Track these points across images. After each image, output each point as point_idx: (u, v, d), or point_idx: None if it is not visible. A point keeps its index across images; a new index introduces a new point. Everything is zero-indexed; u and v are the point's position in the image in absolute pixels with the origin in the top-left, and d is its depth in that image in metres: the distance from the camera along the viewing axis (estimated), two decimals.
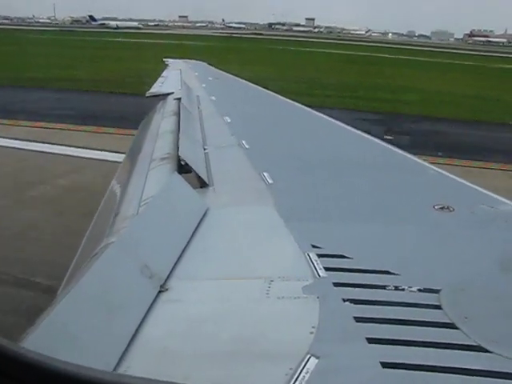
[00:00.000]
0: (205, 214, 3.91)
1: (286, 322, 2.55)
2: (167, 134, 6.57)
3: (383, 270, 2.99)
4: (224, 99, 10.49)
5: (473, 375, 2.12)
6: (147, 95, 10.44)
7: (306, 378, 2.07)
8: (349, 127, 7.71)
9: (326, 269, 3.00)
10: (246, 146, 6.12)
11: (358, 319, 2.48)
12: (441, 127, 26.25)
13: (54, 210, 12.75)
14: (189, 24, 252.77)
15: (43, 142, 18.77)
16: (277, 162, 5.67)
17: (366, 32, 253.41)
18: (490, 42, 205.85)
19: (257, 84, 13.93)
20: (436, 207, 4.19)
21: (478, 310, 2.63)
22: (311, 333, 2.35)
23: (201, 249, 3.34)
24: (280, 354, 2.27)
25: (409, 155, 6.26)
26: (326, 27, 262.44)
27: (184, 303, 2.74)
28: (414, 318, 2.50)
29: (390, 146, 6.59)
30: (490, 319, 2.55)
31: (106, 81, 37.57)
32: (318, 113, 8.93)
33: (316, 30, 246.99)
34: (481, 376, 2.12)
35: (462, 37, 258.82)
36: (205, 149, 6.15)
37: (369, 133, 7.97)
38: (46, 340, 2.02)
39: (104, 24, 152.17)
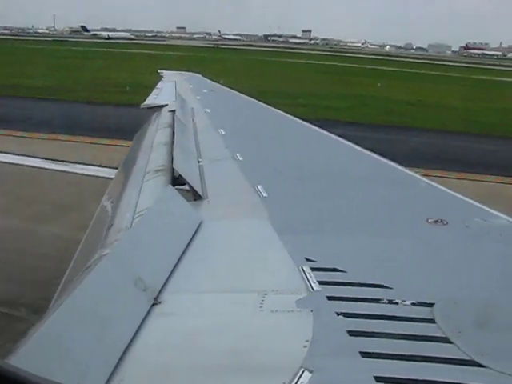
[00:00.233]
0: (199, 227, 3.90)
1: (279, 335, 2.54)
2: (161, 146, 6.58)
3: (377, 283, 2.98)
4: (218, 112, 10.51)
5: None
6: (142, 107, 10.41)
7: None
8: (343, 140, 7.72)
9: (320, 282, 2.99)
10: (240, 159, 6.13)
11: (352, 333, 2.47)
12: (349, 131, 26.68)
13: None
14: (186, 35, 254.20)
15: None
16: (271, 175, 5.69)
17: (363, 44, 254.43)
18: (485, 54, 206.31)
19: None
20: (430, 220, 4.19)
21: (472, 324, 2.62)
22: (305, 346, 2.35)
23: (194, 262, 3.34)
24: (274, 367, 2.27)
25: (403, 168, 6.27)
26: (322, 39, 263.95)
27: (177, 316, 2.73)
28: (408, 331, 2.50)
29: (384, 160, 6.57)
30: (484, 333, 2.55)
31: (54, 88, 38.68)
32: (312, 126, 8.96)
33: (312, 41, 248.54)
34: None
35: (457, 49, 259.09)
36: (199, 161, 6.16)
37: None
38: (38, 353, 2.00)
39: (96, 34, 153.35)
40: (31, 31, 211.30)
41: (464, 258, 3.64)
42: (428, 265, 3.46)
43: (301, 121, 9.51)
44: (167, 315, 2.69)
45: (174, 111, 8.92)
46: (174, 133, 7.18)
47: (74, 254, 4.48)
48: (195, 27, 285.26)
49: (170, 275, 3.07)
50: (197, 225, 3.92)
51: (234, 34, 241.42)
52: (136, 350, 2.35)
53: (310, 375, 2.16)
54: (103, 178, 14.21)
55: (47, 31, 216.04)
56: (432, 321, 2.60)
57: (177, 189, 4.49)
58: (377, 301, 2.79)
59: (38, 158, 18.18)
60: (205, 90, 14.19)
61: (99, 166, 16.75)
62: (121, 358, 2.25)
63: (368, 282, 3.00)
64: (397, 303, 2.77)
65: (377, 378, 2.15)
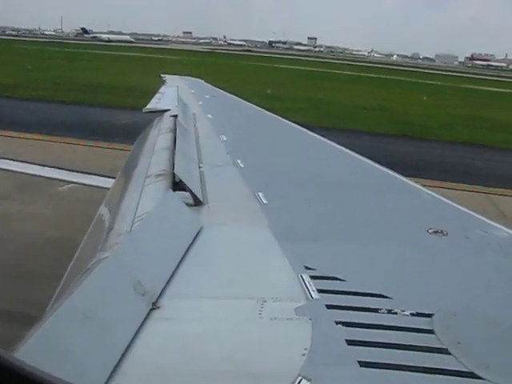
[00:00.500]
0: (199, 233, 3.90)
1: (277, 343, 2.53)
2: (163, 150, 6.56)
3: (376, 293, 2.97)
4: (220, 117, 10.51)
5: None
6: (144, 111, 10.41)
7: None
8: (345, 149, 7.69)
9: (319, 290, 2.98)
10: (241, 165, 6.12)
11: (350, 342, 2.46)
12: None
13: None
14: (192, 40, 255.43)
15: None
16: (272, 182, 5.68)
17: (369, 53, 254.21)
18: (490, 65, 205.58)
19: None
20: (430, 231, 4.17)
21: (471, 336, 2.60)
22: (303, 355, 2.33)
23: (194, 267, 3.33)
24: (271, 375, 2.26)
25: (403, 178, 6.26)
26: (327, 47, 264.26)
27: (175, 322, 2.72)
28: (407, 342, 2.48)
29: (385, 169, 6.55)
30: (483, 345, 2.53)
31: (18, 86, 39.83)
32: (314, 134, 8.96)
33: (316, 49, 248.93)
34: None
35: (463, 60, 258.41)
36: (200, 167, 6.14)
37: None
38: (35, 354, 1.98)
39: (96, 37, 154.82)
40: (38, 33, 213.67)
41: (464, 269, 3.63)
42: (428, 275, 3.46)
43: (303, 129, 9.54)
44: (166, 320, 2.68)
45: (176, 116, 8.94)
46: (175, 138, 7.20)
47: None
48: (202, 32, 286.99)
49: (169, 280, 3.07)
50: (197, 230, 3.92)
51: (239, 40, 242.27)
52: (134, 354, 2.34)
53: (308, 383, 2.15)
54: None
55: (54, 33, 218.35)
56: (431, 331, 2.58)
57: (177, 194, 4.51)
58: (376, 310, 2.77)
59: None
60: (207, 96, 14.20)
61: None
62: (118, 363, 2.24)
63: (367, 292, 2.98)
64: (396, 313, 2.76)
65: None
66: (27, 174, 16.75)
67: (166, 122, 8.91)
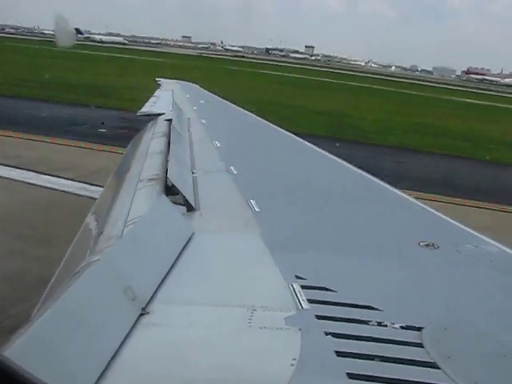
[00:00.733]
0: (190, 239, 3.89)
1: (267, 352, 2.51)
2: (156, 155, 6.57)
3: (366, 304, 2.97)
4: (214, 123, 10.53)
5: None
6: (138, 114, 10.44)
7: None
8: (338, 159, 7.73)
9: (309, 301, 2.97)
10: (235, 172, 6.12)
11: (340, 354, 2.45)
12: None
13: None
14: (191, 44, 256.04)
15: None
16: (264, 190, 5.70)
17: (366, 63, 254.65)
18: (485, 79, 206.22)
19: None
20: (421, 244, 4.19)
21: (461, 350, 2.60)
22: (292, 365, 2.33)
23: (184, 273, 3.32)
24: None
25: (396, 190, 6.30)
26: (324, 55, 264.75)
27: (164, 327, 2.70)
28: (396, 355, 2.48)
29: (378, 181, 6.60)
30: (473, 360, 2.53)
31: None
32: (307, 143, 8.98)
33: (313, 57, 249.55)
34: None
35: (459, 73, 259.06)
36: (193, 172, 6.14)
37: None
38: (22, 357, 1.94)
39: (89, 37, 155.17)
40: (37, 31, 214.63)
41: (454, 283, 3.63)
42: (418, 288, 3.46)
43: (297, 137, 9.57)
44: (154, 326, 2.66)
45: (170, 120, 8.92)
46: (169, 142, 7.20)
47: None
48: (201, 37, 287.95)
49: (159, 285, 3.06)
50: (188, 236, 3.91)
51: (236, 46, 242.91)
52: (122, 359, 2.32)
53: None
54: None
55: (52, 32, 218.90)
56: (420, 345, 2.58)
57: (169, 199, 4.47)
58: (366, 322, 2.77)
59: None
60: (202, 101, 14.23)
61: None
62: (106, 368, 2.23)
63: (358, 303, 2.98)
64: (386, 326, 2.75)
65: None
66: None
67: (160, 125, 8.94)
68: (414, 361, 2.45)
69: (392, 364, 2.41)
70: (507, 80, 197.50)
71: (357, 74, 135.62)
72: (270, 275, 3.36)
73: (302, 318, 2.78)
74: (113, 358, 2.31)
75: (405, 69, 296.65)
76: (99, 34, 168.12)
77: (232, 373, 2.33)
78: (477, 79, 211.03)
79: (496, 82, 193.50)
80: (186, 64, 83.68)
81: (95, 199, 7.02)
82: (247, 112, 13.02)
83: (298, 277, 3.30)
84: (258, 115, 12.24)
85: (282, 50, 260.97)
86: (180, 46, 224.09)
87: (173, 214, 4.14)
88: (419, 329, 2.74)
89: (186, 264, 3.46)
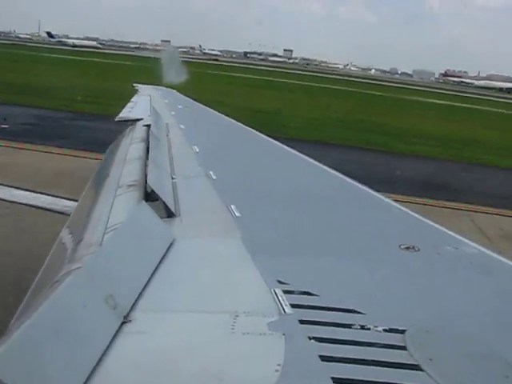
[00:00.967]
0: (171, 245, 3.86)
1: (251, 358, 2.50)
2: (135, 160, 6.52)
3: (349, 308, 2.98)
4: (193, 128, 10.55)
5: None
6: (116, 119, 10.32)
7: None
8: (318, 163, 7.75)
9: (292, 305, 2.96)
10: (214, 177, 6.11)
11: (324, 358, 2.45)
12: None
13: None
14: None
15: None
16: (244, 195, 5.69)
17: (345, 66, 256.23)
18: (462, 82, 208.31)
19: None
20: (402, 247, 4.20)
21: (443, 352, 2.62)
22: (276, 371, 2.32)
23: (166, 280, 3.29)
24: None
25: (376, 193, 6.31)
26: (303, 59, 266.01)
27: (147, 335, 2.67)
28: (379, 358, 2.48)
29: (359, 184, 6.59)
30: (455, 362, 2.54)
31: None
32: (286, 147, 9.01)
33: (291, 61, 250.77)
34: None
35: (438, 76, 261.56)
36: (173, 178, 6.10)
37: None
38: (2, 369, 1.94)
39: (61, 41, 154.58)
40: (13, 35, 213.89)
41: (436, 285, 3.65)
42: (400, 291, 3.48)
43: (276, 141, 9.61)
44: (137, 334, 2.63)
45: (148, 126, 8.89)
46: (148, 148, 7.17)
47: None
48: (181, 41, 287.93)
49: (141, 293, 3.02)
50: (169, 242, 3.88)
51: (215, 50, 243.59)
52: (105, 368, 2.30)
53: None
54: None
55: (29, 36, 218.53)
56: (403, 348, 2.59)
57: (149, 205, 4.41)
58: (349, 326, 2.77)
59: None
60: (180, 106, 14.22)
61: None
62: (89, 377, 2.20)
63: (340, 307, 2.98)
64: (369, 329, 2.76)
65: None
66: None
67: (139, 131, 8.88)
68: (398, 363, 2.46)
69: (376, 367, 2.42)
70: (481, 82, 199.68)
71: (330, 76, 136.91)
72: (252, 280, 3.34)
73: (286, 323, 2.77)
74: (95, 367, 2.29)
75: (384, 71, 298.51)
76: (71, 38, 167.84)
77: (216, 380, 2.31)
78: (454, 81, 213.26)
79: (471, 84, 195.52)
80: (149, 66, 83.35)
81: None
82: (226, 117, 13.00)
83: (280, 281, 3.28)
84: None
85: (260, 54, 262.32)
86: (160, 50, 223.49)
87: (153, 220, 4.09)
88: (402, 331, 2.74)
89: (168, 271, 3.44)
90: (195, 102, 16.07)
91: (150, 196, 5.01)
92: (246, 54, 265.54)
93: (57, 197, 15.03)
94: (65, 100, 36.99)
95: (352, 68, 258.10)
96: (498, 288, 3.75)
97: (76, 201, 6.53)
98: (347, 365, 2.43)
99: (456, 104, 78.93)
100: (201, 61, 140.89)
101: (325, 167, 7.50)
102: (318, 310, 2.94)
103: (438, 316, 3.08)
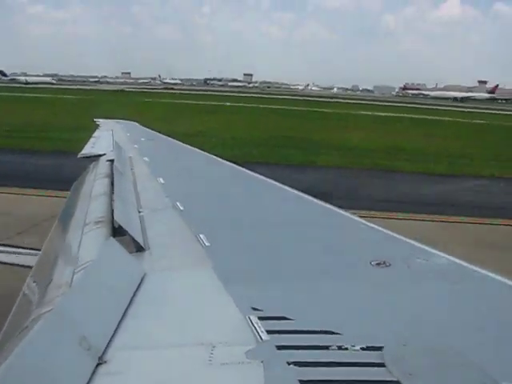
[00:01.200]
0: (142, 280, 3.81)
1: None
2: (100, 196, 6.47)
3: (325, 330, 2.97)
4: (157, 160, 10.53)
5: None
6: (79, 156, 10.29)
7: None
8: (284, 186, 7.77)
9: (268, 332, 2.94)
10: (181, 208, 6.10)
11: (304, 382, 2.44)
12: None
13: None
14: (131, 80, 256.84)
15: None
16: (213, 224, 5.67)
17: (306, 86, 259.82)
18: (421, 94, 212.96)
19: None
20: (373, 263, 4.22)
21: (422, 366, 2.62)
22: None
23: (139, 316, 3.24)
24: None
25: (343, 212, 6.34)
26: (264, 82, 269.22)
27: (123, 375, 2.62)
28: (359, 377, 2.49)
29: (325, 204, 6.64)
30: (435, 374, 2.54)
31: None
32: (251, 172, 9.00)
33: (251, 85, 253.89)
34: None
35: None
36: (140, 211, 6.08)
37: None
38: None
39: (14, 79, 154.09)
40: None
41: (409, 298, 3.67)
42: (375, 308, 3.47)
43: (241, 168, 9.58)
44: (113, 375, 2.58)
45: (112, 160, 8.82)
46: (113, 183, 7.13)
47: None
48: (142, 72, 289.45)
49: (115, 332, 2.97)
50: (140, 277, 3.84)
51: (173, 79, 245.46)
52: None
53: None
54: None
55: None
56: (382, 365, 2.59)
57: (118, 240, 4.39)
58: (326, 347, 2.77)
59: None
60: (142, 139, 14.17)
61: None
62: None
63: (317, 329, 2.98)
64: (347, 349, 2.76)
65: None
66: None
67: (102, 166, 8.82)
68: (378, 381, 2.46)
69: None
70: (435, 93, 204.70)
71: (286, 97, 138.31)
72: (227, 309, 3.32)
73: (263, 350, 2.75)
74: None
75: (346, 89, 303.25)
76: (29, 75, 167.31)
77: None
78: (413, 94, 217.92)
79: (427, 95, 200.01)
80: (96, 99, 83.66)
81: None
82: (189, 146, 13.02)
83: (254, 308, 3.27)
84: None
85: (220, 80, 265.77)
86: (121, 83, 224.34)
87: (122, 256, 4.05)
88: (379, 348, 2.74)
89: (140, 307, 3.39)
90: (158, 134, 16.01)
91: (117, 231, 4.98)
92: (206, 80, 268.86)
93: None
94: None
95: (313, 88, 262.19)
96: (470, 297, 3.79)
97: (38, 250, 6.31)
98: None
99: (399, 115, 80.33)
100: (154, 91, 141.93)
101: (292, 190, 7.53)
102: (294, 334, 2.95)
103: (414, 330, 3.10)
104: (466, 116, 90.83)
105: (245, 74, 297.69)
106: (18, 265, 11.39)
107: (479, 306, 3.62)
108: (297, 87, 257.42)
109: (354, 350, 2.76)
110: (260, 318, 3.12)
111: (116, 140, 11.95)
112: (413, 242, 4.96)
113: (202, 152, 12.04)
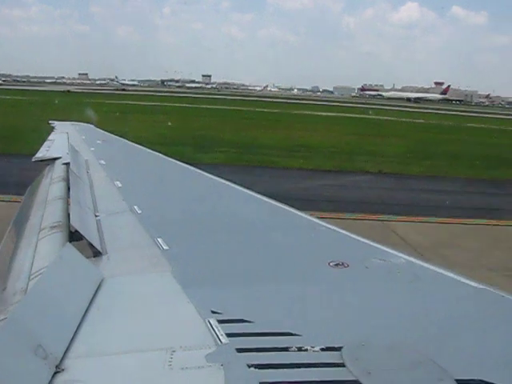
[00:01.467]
0: (100, 285, 3.73)
1: None
2: (56, 201, 6.30)
3: (285, 331, 2.96)
4: (114, 163, 10.26)
5: None
6: (34, 160, 9.89)
7: None
8: (241, 188, 7.68)
9: (228, 335, 2.91)
10: (139, 212, 5.97)
11: None
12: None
13: None
14: (88, 81, 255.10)
15: None
16: (171, 227, 5.58)
17: (264, 87, 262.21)
18: (379, 95, 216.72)
19: None
20: (331, 264, 4.20)
21: (380, 364, 2.64)
22: None
23: (97, 322, 3.17)
24: None
25: (301, 213, 6.28)
26: (220, 83, 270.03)
27: (82, 383, 2.56)
28: (319, 378, 2.50)
29: (283, 206, 6.59)
30: (392, 372, 2.57)
31: None
32: (210, 175, 8.87)
33: (209, 86, 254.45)
34: None
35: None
36: (96, 215, 5.94)
37: None
38: None
39: None
40: None
41: (367, 298, 3.69)
42: (333, 308, 3.48)
43: (198, 170, 9.44)
44: (71, 383, 2.52)
45: (67, 164, 8.59)
46: (69, 187, 6.93)
47: None
48: (99, 73, 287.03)
49: (72, 339, 2.90)
50: (98, 283, 3.76)
51: (135, 80, 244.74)
52: None
53: None
54: None
55: None
56: (342, 365, 2.60)
57: (74, 245, 4.25)
58: (286, 349, 2.75)
59: None
60: (98, 141, 13.83)
61: None
62: None
63: (276, 331, 2.96)
64: (306, 350, 2.75)
65: None
66: None
67: (58, 170, 8.58)
68: (338, 381, 2.49)
69: None
70: (390, 93, 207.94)
71: (237, 98, 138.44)
72: (186, 313, 3.29)
73: (223, 353, 2.74)
74: None
75: (306, 90, 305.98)
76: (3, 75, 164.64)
77: None
78: (370, 95, 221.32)
79: (382, 96, 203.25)
80: (38, 100, 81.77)
81: None
82: (146, 149, 12.83)
83: (213, 312, 3.24)
84: None
85: (177, 81, 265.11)
86: (79, 84, 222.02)
87: (79, 261, 3.96)
88: (338, 349, 2.75)
89: (98, 312, 3.33)
90: (114, 136, 15.68)
91: (74, 236, 4.87)
92: (163, 82, 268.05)
93: None
94: None
95: (272, 89, 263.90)
96: (426, 295, 3.84)
97: None
98: None
99: (340, 115, 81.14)
100: (108, 92, 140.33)
101: (250, 192, 7.47)
102: (254, 336, 2.93)
103: (372, 329, 3.12)
104: (410, 116, 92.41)
105: (203, 75, 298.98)
106: None
107: (435, 304, 3.67)
108: (254, 88, 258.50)
109: (314, 351, 2.76)
110: (219, 321, 3.09)
111: (72, 143, 11.75)
112: (370, 242, 5.00)
113: (160, 154, 11.83)
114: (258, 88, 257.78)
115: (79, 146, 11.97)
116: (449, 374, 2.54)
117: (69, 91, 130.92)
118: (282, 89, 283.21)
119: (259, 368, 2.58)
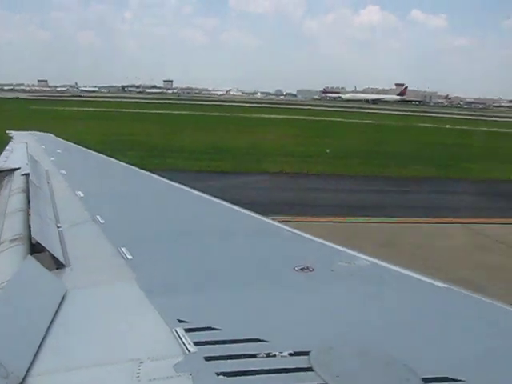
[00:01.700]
0: (63, 298, 3.62)
1: None
2: (16, 213, 6.17)
3: (252, 338, 2.95)
4: (75, 173, 10.05)
5: None
6: None
7: None
8: (205, 195, 7.64)
9: (196, 343, 2.88)
10: (101, 221, 5.87)
11: None
12: None
13: None
14: (48, 88, 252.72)
15: None
16: (134, 236, 5.51)
17: (227, 92, 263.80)
18: (339, 97, 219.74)
19: None
20: (296, 268, 4.21)
21: (348, 367, 2.67)
22: None
23: (62, 336, 3.09)
24: None
25: (266, 219, 6.29)
26: (182, 88, 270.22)
27: None
28: (288, 383, 2.51)
29: (246, 211, 6.59)
30: (360, 374, 2.60)
31: None
32: (172, 182, 8.77)
33: (170, 91, 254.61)
34: None
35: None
36: (58, 227, 5.80)
37: None
38: None
39: None
40: None
41: (333, 302, 3.71)
42: (300, 313, 3.46)
43: (161, 178, 9.33)
44: None
45: (27, 174, 8.41)
46: (29, 198, 6.80)
47: None
48: (59, 80, 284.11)
49: (35, 355, 2.79)
50: (61, 295, 3.65)
51: (91, 86, 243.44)
52: None
53: None
54: None
55: None
56: (310, 369, 2.61)
57: (36, 257, 4.13)
58: (254, 356, 2.75)
59: None
60: (59, 151, 13.52)
61: None
62: None
63: (243, 338, 2.95)
64: (274, 356, 2.75)
65: None
66: None
67: (17, 181, 8.41)
68: None
69: None
70: (348, 95, 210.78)
71: (194, 102, 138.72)
72: (152, 323, 3.23)
73: (191, 362, 2.71)
74: None
75: (269, 94, 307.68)
76: None
77: None
78: (330, 97, 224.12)
79: (341, 98, 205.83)
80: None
81: None
82: (108, 157, 12.66)
83: (180, 320, 3.19)
84: None
85: (138, 87, 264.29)
86: (38, 91, 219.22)
87: (41, 273, 3.88)
88: (306, 353, 2.75)
89: (62, 326, 3.23)
90: (75, 145, 15.43)
91: (36, 248, 4.76)
92: (123, 87, 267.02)
93: None
94: None
95: (235, 93, 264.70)
96: (393, 297, 3.86)
97: None
98: None
99: (289, 117, 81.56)
100: (63, 99, 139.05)
101: (213, 198, 7.46)
102: (222, 344, 2.91)
103: (340, 332, 3.13)
104: (362, 117, 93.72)
105: (164, 81, 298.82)
106: None
107: (401, 304, 3.71)
108: (218, 92, 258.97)
109: (282, 357, 2.75)
110: (186, 330, 3.06)
111: (31, 153, 11.53)
112: (335, 245, 5.00)
113: (121, 163, 11.71)
114: (220, 92, 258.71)
115: (39, 155, 11.75)
116: (416, 373, 2.59)
117: (18, 98, 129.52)
118: (246, 93, 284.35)
119: (228, 376, 2.57)
